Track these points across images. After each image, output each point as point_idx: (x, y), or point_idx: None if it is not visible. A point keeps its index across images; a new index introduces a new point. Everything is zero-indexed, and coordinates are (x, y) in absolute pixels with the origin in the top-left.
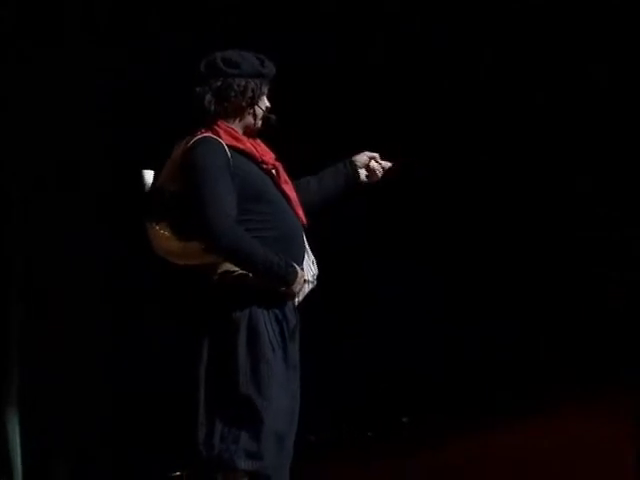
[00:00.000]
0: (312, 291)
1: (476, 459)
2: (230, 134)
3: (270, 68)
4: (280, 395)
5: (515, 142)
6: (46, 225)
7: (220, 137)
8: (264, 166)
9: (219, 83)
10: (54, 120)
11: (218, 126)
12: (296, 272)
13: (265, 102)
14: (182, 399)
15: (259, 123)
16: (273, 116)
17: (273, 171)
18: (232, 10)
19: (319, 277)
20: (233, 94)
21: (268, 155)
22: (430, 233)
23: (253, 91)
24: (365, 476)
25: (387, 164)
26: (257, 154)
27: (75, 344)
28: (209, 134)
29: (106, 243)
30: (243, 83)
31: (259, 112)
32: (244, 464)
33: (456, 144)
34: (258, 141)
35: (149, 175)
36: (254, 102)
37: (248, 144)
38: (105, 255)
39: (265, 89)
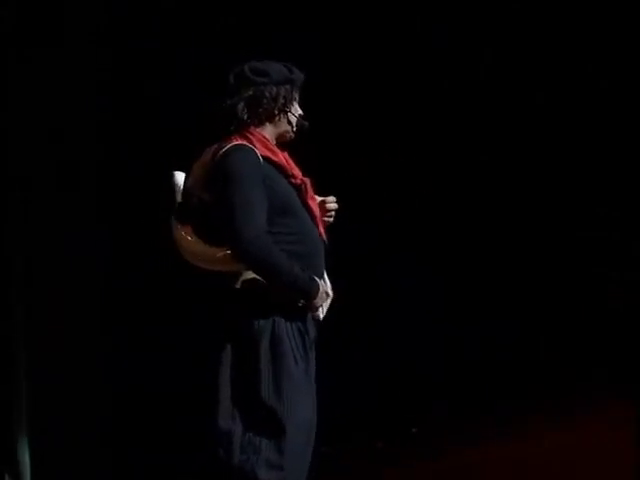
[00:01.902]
0: None
1: (475, 459)
2: (264, 144)
3: (298, 74)
4: (301, 406)
5: (515, 142)
6: (46, 225)
7: (254, 146)
8: (293, 180)
9: (250, 92)
10: (54, 120)
11: (252, 134)
12: (318, 287)
13: (297, 109)
14: (183, 399)
15: (294, 130)
16: (306, 123)
17: (301, 186)
18: (232, 10)
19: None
20: (265, 101)
21: (297, 169)
22: (430, 233)
23: (285, 97)
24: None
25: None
26: (288, 167)
27: (75, 344)
28: (244, 142)
29: (106, 243)
30: (274, 90)
31: (292, 119)
32: (265, 475)
33: (456, 144)
34: (286, 154)
35: (180, 177)
36: (286, 108)
37: (281, 156)
38: (105, 255)
39: (296, 95)
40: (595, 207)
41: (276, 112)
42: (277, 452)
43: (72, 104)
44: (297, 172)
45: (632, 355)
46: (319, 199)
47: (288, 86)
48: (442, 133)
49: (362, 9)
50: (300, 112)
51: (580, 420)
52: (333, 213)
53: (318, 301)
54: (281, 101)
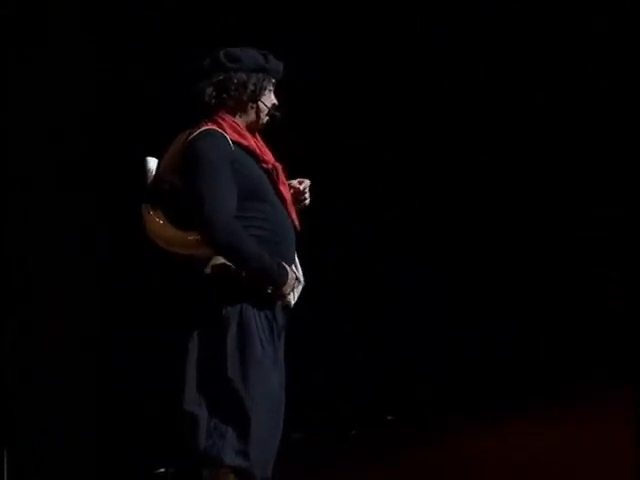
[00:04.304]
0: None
1: (475, 459)
2: (234, 129)
3: (274, 64)
4: (268, 393)
5: (515, 142)
6: (46, 225)
7: (224, 131)
8: (264, 165)
9: (221, 77)
10: (54, 120)
11: (223, 119)
12: (287, 274)
13: (271, 99)
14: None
15: (264, 119)
16: (278, 114)
17: (272, 171)
18: (232, 10)
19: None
20: (233, 87)
21: (269, 155)
22: (430, 233)
23: (255, 85)
24: (359, 477)
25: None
26: (259, 152)
27: (75, 344)
28: (214, 127)
29: (106, 243)
30: (244, 77)
31: (263, 108)
32: (231, 460)
33: (456, 144)
34: (259, 139)
35: (153, 163)
36: (256, 97)
37: (251, 141)
38: (105, 255)
39: (269, 85)
40: (595, 207)
41: (245, 99)
42: (243, 438)
43: (72, 104)
44: (269, 157)
45: (632, 355)
46: (295, 182)
47: (261, 74)
48: (442, 133)
49: (362, 9)
50: (274, 102)
51: (580, 420)
52: (307, 195)
53: (287, 288)
54: (250, 88)
